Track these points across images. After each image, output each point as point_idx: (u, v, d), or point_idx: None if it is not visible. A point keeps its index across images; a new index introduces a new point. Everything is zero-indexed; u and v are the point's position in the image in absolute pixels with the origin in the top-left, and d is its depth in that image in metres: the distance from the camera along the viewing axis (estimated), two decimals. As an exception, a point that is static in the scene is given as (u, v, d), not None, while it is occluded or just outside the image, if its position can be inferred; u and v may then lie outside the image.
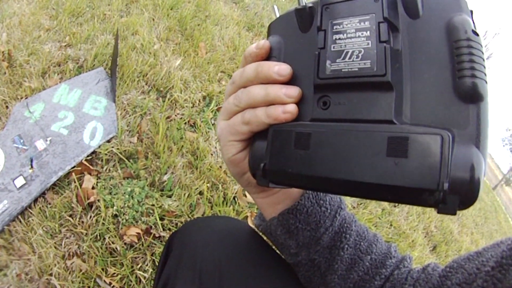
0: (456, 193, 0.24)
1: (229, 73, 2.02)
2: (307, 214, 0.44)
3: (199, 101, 1.70)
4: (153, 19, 1.99)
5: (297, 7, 0.35)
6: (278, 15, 0.38)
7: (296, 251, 0.46)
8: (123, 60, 1.56)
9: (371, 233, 0.49)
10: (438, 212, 0.24)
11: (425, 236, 2.49)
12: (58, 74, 1.35)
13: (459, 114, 0.26)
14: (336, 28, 0.31)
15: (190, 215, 1.15)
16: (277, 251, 0.52)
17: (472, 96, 0.26)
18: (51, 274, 0.85)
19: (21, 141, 1.11)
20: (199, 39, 2.04)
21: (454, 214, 0.24)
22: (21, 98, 1.21)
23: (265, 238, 0.53)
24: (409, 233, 2.19)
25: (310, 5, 0.34)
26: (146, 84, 1.57)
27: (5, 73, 1.26)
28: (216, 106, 1.72)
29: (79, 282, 0.87)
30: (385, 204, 2.14)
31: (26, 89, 1.23)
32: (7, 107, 1.18)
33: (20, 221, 0.94)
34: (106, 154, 1.20)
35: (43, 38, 1.42)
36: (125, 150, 1.25)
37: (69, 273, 0.87)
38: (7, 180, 1.03)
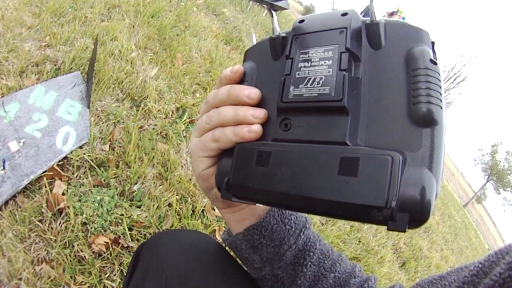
0: (406, 211, 0.25)
1: (204, 85, 2.07)
2: (271, 231, 0.46)
3: (173, 112, 1.74)
4: (133, 26, 2.01)
5: (271, 36, 0.38)
6: (255, 42, 0.42)
7: (260, 266, 0.48)
8: (100, 66, 1.58)
9: (336, 253, 0.50)
10: (388, 229, 0.25)
11: (394, 253, 2.57)
12: (35, 75, 1.35)
13: (412, 138, 0.28)
14: (302, 57, 0.34)
15: (158, 227, 1.20)
16: (243, 265, 0.55)
17: (426, 121, 0.28)
18: (20, 279, 0.87)
19: (-6, 141, 1.12)
20: (177, 50, 2.09)
21: (404, 231, 0.25)
22: (-3, 96, 1.21)
23: (231, 253, 0.55)
24: (378, 249, 2.26)
25: (284, 35, 0.37)
26: (121, 92, 1.60)
27: (-19, 69, 1.25)
28: (189, 118, 1.77)
29: (47, 288, 0.90)
30: (354, 221, 2.21)
31: (3, 87, 1.23)
32: (-19, 104, 1.18)
33: (-10, 224, 0.95)
34: (77, 160, 1.22)
35: (24, 36, 1.42)
36: (96, 158, 1.27)
37: (38, 279, 0.89)
38: (-23, 181, 1.03)
